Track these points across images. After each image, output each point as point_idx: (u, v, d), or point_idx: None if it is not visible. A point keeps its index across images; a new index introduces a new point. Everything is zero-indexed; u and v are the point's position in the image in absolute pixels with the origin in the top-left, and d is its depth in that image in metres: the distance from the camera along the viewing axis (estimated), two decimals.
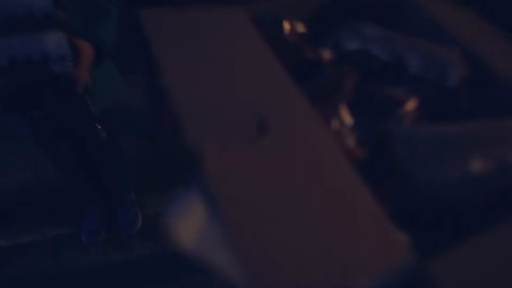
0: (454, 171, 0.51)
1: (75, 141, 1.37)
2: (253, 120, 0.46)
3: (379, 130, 0.56)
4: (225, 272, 0.39)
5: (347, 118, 0.57)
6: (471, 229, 0.45)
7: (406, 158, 0.52)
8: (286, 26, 0.71)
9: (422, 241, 0.44)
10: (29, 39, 0.83)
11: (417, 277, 0.39)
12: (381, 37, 0.66)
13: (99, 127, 1.22)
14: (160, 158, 2.03)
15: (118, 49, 1.17)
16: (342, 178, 0.44)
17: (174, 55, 0.54)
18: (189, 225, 0.42)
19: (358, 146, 0.55)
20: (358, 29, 0.69)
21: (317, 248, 0.37)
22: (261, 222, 0.38)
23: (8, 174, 1.95)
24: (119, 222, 1.71)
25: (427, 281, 0.39)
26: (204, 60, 0.53)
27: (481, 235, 0.44)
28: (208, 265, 0.41)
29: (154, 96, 1.99)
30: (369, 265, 0.37)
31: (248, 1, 0.70)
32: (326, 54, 0.66)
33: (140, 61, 2.22)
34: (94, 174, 1.55)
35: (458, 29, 0.66)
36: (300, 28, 0.72)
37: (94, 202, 1.72)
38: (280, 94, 0.52)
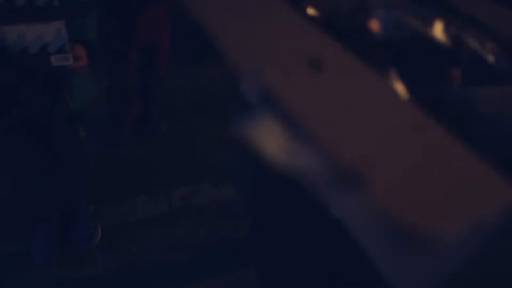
0: None
1: (48, 141, 1.26)
2: (307, 57, 0.41)
3: (433, 93, 0.52)
4: (322, 176, 0.32)
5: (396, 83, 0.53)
6: None
7: (467, 120, 0.49)
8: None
9: None
10: (28, 31, 0.77)
11: None
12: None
13: (79, 126, 1.15)
14: (119, 166, 1.88)
15: None
16: (417, 119, 0.40)
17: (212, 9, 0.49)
18: (271, 137, 0.36)
19: None
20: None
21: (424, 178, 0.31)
22: (352, 138, 0.32)
23: None
24: (76, 236, 1.54)
25: None
26: (242, 15, 0.49)
27: None
28: (298, 172, 0.35)
29: (113, 101, 1.83)
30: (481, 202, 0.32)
31: None
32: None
33: (99, 64, 2.11)
34: (56, 179, 1.42)
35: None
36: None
37: (47, 216, 1.53)
38: (326, 48, 0.47)
